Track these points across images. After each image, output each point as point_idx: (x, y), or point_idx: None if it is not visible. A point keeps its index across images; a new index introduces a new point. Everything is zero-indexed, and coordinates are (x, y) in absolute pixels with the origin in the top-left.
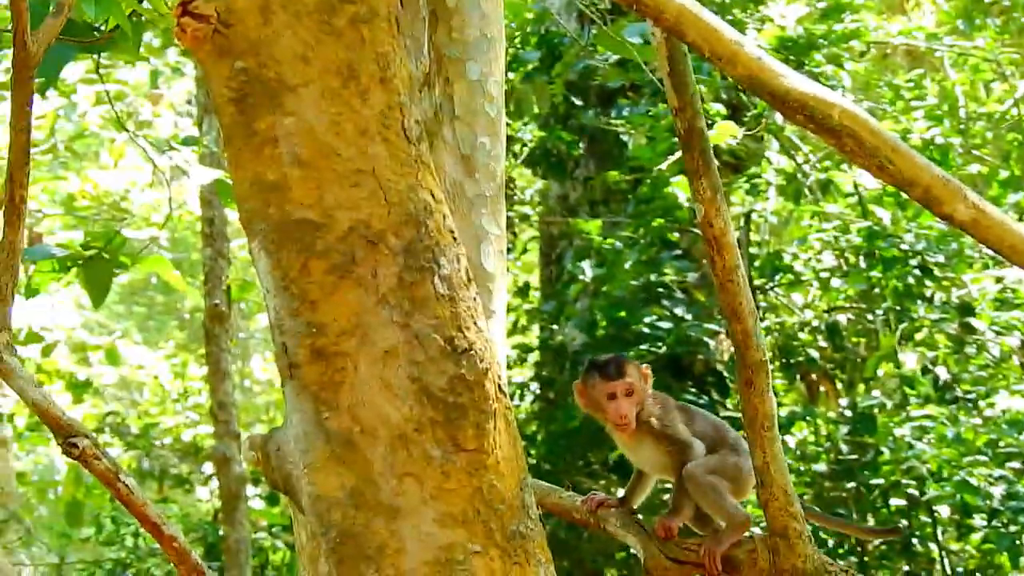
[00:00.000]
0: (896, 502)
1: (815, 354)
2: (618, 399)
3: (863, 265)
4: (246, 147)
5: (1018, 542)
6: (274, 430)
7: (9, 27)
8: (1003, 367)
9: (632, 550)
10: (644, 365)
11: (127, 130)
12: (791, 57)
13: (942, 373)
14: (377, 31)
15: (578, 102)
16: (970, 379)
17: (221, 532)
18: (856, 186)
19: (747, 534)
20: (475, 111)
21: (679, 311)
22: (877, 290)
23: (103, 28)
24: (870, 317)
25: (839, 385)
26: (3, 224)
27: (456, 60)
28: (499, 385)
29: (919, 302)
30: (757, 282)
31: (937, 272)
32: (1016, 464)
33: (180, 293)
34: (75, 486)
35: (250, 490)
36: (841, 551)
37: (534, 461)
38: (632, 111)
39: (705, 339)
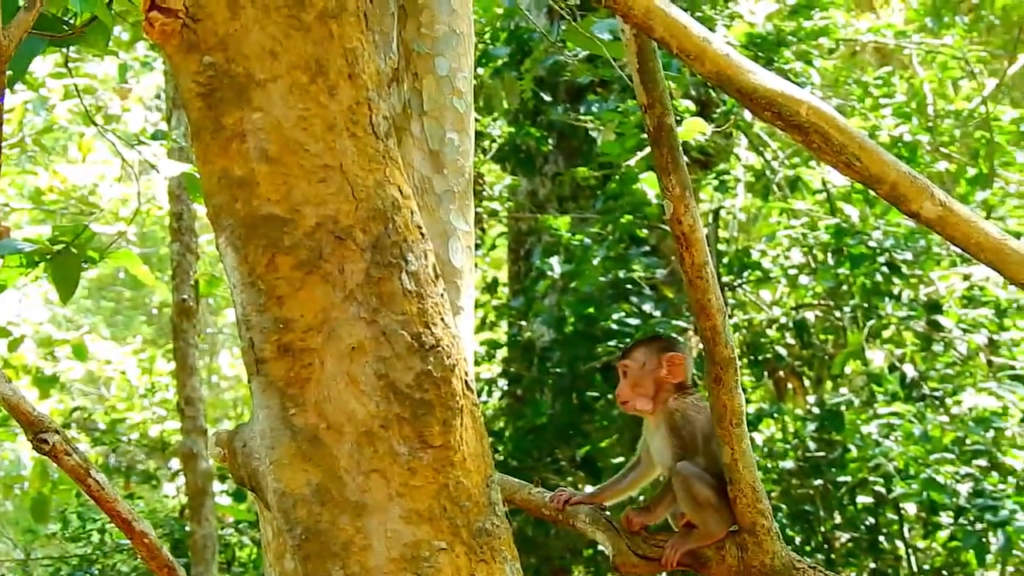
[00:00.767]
0: (863, 499)
1: (783, 351)
2: (622, 378)
3: (831, 262)
4: (214, 142)
5: (984, 540)
6: (240, 426)
7: None
8: (970, 365)
9: (600, 547)
10: (675, 355)
11: (96, 124)
12: (760, 54)
13: (909, 371)
14: (346, 26)
15: (547, 98)
16: (937, 377)
17: (188, 528)
18: (825, 183)
19: None
20: (444, 106)
21: (647, 308)
22: (845, 287)
23: (73, 22)
24: (838, 314)
25: (807, 382)
26: None
27: (425, 55)
28: (466, 381)
29: (887, 299)
30: (725, 279)
31: (905, 269)
32: (982, 462)
33: (148, 288)
34: (41, 481)
35: (217, 486)
36: (808, 548)
37: (502, 457)
38: (601, 107)
39: (674, 335)
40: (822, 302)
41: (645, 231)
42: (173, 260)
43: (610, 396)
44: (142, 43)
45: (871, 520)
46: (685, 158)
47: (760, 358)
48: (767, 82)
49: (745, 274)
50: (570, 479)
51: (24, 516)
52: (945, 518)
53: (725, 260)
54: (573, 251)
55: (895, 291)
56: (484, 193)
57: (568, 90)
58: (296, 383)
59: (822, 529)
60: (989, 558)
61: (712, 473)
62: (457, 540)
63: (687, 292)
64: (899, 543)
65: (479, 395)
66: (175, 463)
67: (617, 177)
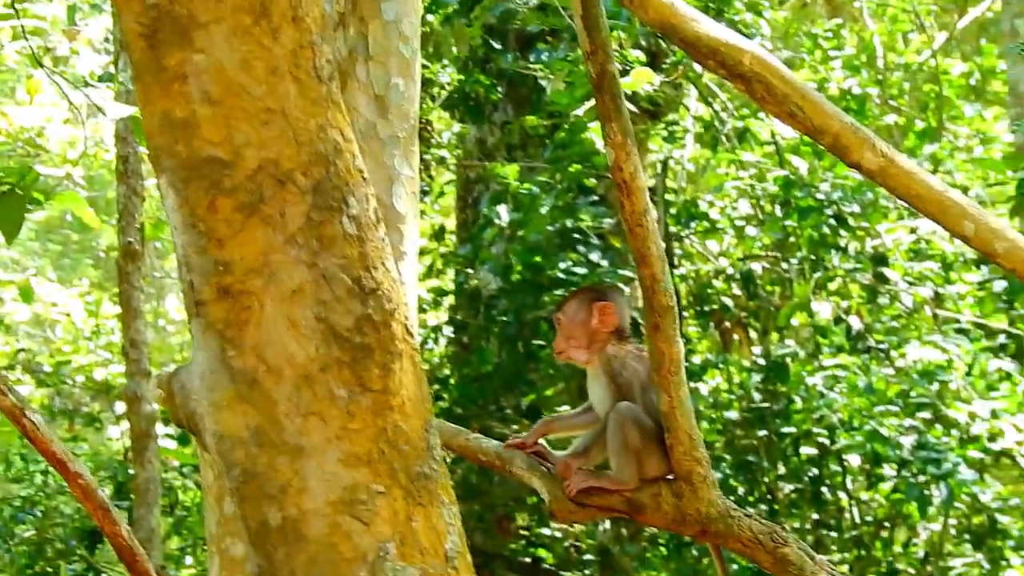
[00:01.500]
0: (807, 451)
1: (729, 302)
2: (557, 329)
3: (779, 214)
4: (155, 83)
5: (927, 492)
6: (179, 368)
7: None
8: (915, 318)
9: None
10: (605, 304)
11: (43, 66)
12: (711, 4)
13: (855, 323)
14: None
15: (497, 46)
16: (883, 329)
17: (131, 471)
18: (773, 135)
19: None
20: (389, 51)
21: (595, 257)
22: (792, 239)
23: None
24: (785, 266)
25: (753, 333)
26: None
27: (371, 0)
28: (406, 326)
29: (833, 252)
30: (673, 229)
31: (852, 222)
32: (926, 414)
33: (95, 231)
34: None
35: (161, 429)
36: (752, 499)
37: (447, 405)
38: (551, 56)
39: (620, 285)
40: (769, 253)
41: (593, 180)
42: (119, 203)
43: None
44: None
45: (814, 471)
46: (633, 108)
47: (706, 309)
48: (711, 31)
49: (693, 225)
50: (515, 427)
51: None
52: (888, 470)
53: (673, 210)
54: (521, 200)
55: (842, 243)
56: (432, 140)
57: (518, 38)
58: (235, 325)
59: (765, 480)
60: (931, 510)
61: (650, 420)
62: (395, 484)
63: (628, 240)
64: (842, 495)
65: (425, 342)
66: (120, 406)
67: (566, 126)
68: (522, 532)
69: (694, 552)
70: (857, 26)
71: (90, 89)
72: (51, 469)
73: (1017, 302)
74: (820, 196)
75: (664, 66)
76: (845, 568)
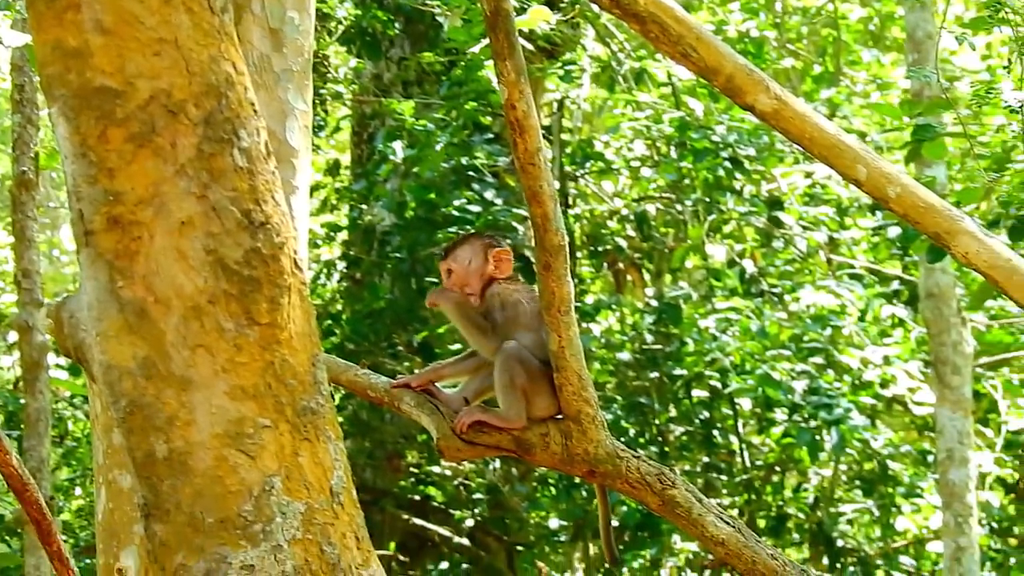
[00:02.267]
0: (698, 393)
1: (623, 243)
2: (446, 278)
3: (674, 155)
4: (48, 11)
5: (818, 437)
6: (68, 297)
7: None
8: (809, 262)
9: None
10: (501, 250)
11: None
12: None
13: (749, 266)
14: None
15: None
16: (776, 273)
17: (22, 401)
18: (670, 76)
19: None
20: None
21: (489, 195)
22: (687, 181)
23: None
24: (679, 208)
25: (646, 275)
26: None
27: None
28: (295, 260)
29: (728, 195)
30: (568, 169)
31: (747, 165)
32: (819, 359)
33: None
34: None
35: (52, 360)
36: (643, 441)
37: (339, 340)
38: None
39: (514, 224)
40: (664, 195)
41: (489, 118)
42: (14, 132)
43: None
44: None
45: (706, 414)
46: (529, 46)
47: (600, 249)
48: None
49: (588, 165)
50: (407, 364)
51: None
52: (780, 414)
53: (568, 150)
54: (416, 136)
55: (737, 186)
56: (329, 75)
57: None
58: (124, 256)
59: (656, 422)
60: (822, 456)
61: (539, 360)
62: (281, 418)
63: (520, 178)
64: (733, 438)
65: (317, 277)
66: (12, 336)
67: (463, 63)
68: (412, 470)
69: (583, 492)
70: None
71: None
72: None
73: (911, 249)
74: (716, 139)
75: (561, 5)
76: (734, 512)
